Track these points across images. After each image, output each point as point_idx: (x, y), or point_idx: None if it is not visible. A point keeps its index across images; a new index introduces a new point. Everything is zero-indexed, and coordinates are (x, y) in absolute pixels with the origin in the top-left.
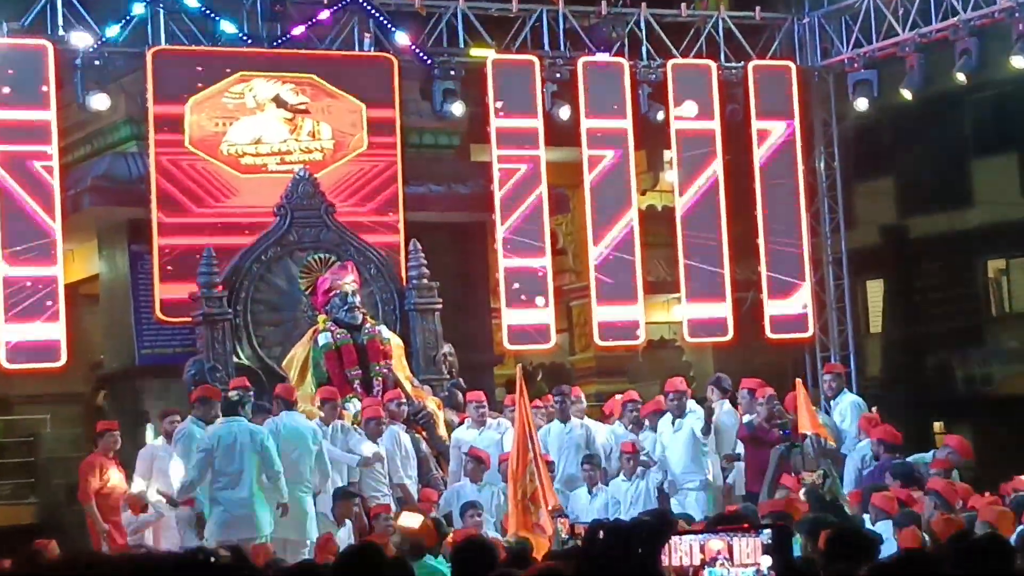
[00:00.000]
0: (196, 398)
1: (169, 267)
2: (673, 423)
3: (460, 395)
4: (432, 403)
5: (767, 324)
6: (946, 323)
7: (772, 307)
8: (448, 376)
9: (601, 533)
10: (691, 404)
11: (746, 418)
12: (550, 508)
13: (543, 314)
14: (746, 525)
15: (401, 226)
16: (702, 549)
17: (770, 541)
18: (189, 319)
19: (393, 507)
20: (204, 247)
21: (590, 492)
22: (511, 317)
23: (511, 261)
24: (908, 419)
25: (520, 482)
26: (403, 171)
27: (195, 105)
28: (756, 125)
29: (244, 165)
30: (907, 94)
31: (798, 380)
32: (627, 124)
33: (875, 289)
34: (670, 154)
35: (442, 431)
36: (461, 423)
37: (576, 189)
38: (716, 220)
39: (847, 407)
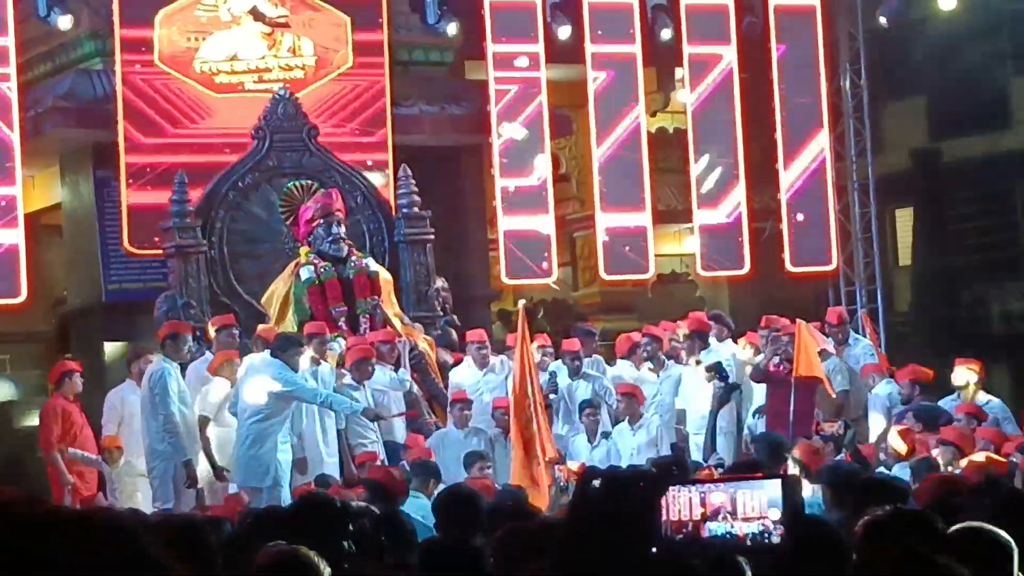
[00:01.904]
0: (165, 335)
1: (138, 194)
2: (697, 364)
3: (454, 333)
4: (424, 342)
5: (787, 255)
6: (981, 254)
7: (792, 237)
8: (441, 313)
9: (596, 482)
10: (713, 342)
11: (757, 359)
12: (547, 458)
13: (544, 244)
14: (760, 475)
15: (390, 150)
16: (702, 502)
17: (778, 492)
18: (160, 251)
19: (381, 455)
20: (176, 172)
21: (590, 441)
22: (509, 248)
23: (509, 186)
24: (940, 358)
25: (520, 426)
26: (391, 90)
27: (165, 18)
28: (775, 39)
29: (219, 84)
30: (942, 5)
31: (799, 321)
32: (635, 43)
33: (904, 218)
34: (681, 72)
35: (434, 371)
36: (456, 364)
37: (579, 110)
38: (732, 143)
39: (860, 354)
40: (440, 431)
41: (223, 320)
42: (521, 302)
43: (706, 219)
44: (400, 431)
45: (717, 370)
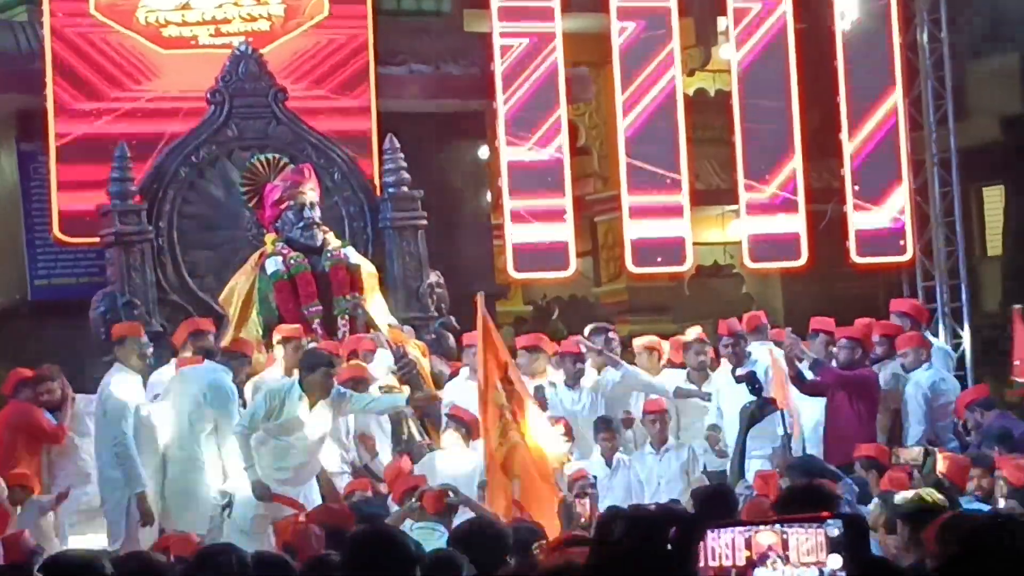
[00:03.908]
0: (114, 339)
1: (71, 171)
2: (734, 375)
3: (451, 338)
4: (415, 349)
5: (852, 244)
6: None
7: (859, 222)
8: (436, 313)
9: (618, 524)
10: (757, 346)
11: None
12: (561, 495)
13: (560, 231)
14: (825, 514)
15: (373, 118)
16: (748, 544)
17: (839, 534)
18: (97, 240)
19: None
20: (116, 145)
21: (608, 465)
22: (518, 235)
23: (517, 160)
24: None
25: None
26: (376, 46)
27: None
28: None
29: (167, 38)
30: None
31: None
32: None
33: (994, 198)
34: (725, 22)
35: (429, 385)
36: (454, 374)
37: (602, 68)
38: (786, 109)
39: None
40: (431, 455)
41: (196, 325)
42: (479, 293)
43: (755, 200)
44: (386, 456)
45: (750, 381)
